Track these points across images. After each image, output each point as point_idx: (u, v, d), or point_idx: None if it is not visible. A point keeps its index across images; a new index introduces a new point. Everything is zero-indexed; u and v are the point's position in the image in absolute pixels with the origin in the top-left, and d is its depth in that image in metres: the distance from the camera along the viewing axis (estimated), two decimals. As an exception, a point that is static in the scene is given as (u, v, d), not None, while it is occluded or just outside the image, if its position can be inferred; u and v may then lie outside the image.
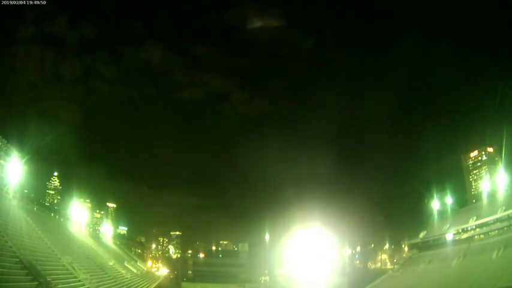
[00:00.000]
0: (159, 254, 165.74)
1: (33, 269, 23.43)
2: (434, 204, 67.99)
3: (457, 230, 56.73)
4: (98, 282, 33.60)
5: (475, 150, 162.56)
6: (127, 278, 48.69)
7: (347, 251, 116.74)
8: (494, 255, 40.13)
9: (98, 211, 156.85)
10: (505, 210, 46.69)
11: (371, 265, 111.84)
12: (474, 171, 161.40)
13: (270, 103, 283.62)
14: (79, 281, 30.09)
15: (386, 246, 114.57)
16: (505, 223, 45.98)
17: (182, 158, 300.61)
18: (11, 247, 24.25)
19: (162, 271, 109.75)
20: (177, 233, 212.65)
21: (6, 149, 36.11)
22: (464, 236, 54.86)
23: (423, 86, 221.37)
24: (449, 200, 66.93)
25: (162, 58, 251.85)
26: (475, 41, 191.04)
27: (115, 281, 41.02)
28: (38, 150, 44.71)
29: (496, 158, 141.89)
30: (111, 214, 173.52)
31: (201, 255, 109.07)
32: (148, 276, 69.61)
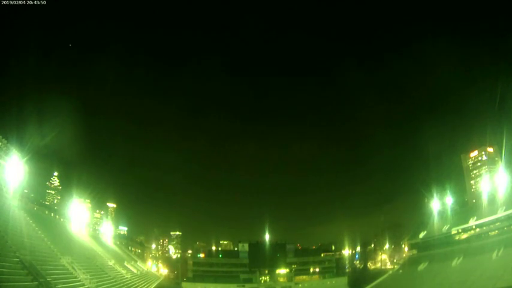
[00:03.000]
0: (159, 254, 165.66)
1: (33, 269, 23.39)
2: (434, 204, 67.98)
3: (457, 230, 56.73)
4: (98, 282, 33.55)
5: (475, 150, 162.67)
6: (127, 278, 48.65)
7: (347, 251, 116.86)
8: (494, 255, 40.13)
9: (98, 211, 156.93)
10: (505, 210, 46.71)
11: (371, 265, 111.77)
12: (474, 171, 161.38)
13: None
14: (79, 281, 30.05)
15: (386, 246, 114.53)
16: (505, 223, 46.00)
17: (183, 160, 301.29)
18: (11, 247, 24.23)
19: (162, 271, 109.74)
20: (177, 233, 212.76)
21: (6, 149, 36.10)
22: (464, 236, 54.86)
23: (423, 87, 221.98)
24: (449, 200, 66.91)
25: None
26: (475, 41, 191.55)
27: (115, 281, 40.97)
28: (38, 150, 44.67)
29: (496, 158, 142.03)
30: (111, 214, 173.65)
31: (201, 255, 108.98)
32: (148, 276, 69.58)
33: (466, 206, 79.56)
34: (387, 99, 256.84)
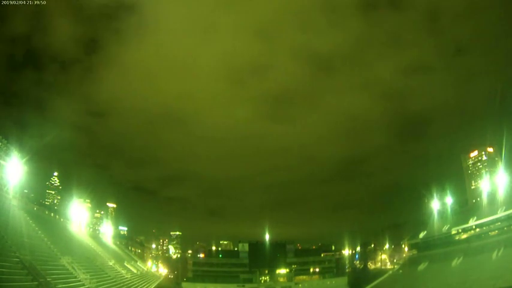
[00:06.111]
0: (159, 254, 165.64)
1: (33, 269, 23.38)
2: (434, 204, 67.95)
3: (457, 230, 56.75)
4: (98, 282, 33.53)
5: (475, 150, 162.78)
6: (127, 278, 48.63)
7: (347, 251, 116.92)
8: (494, 255, 40.15)
9: (98, 211, 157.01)
10: (505, 210, 46.73)
11: (371, 265, 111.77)
12: (474, 171, 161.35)
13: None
14: (79, 281, 30.04)
15: (386, 246, 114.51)
16: (505, 223, 46.03)
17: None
18: (11, 247, 24.22)
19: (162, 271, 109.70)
20: (177, 233, 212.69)
21: (6, 149, 36.09)
22: (464, 236, 54.87)
23: (423, 87, 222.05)
24: (449, 200, 66.90)
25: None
26: (475, 41, 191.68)
27: (115, 281, 40.96)
28: (38, 150, 44.69)
29: (496, 158, 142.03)
30: (111, 214, 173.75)
31: (201, 255, 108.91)
32: (148, 276, 69.58)
33: (466, 206, 79.51)
34: (388, 102, 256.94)
